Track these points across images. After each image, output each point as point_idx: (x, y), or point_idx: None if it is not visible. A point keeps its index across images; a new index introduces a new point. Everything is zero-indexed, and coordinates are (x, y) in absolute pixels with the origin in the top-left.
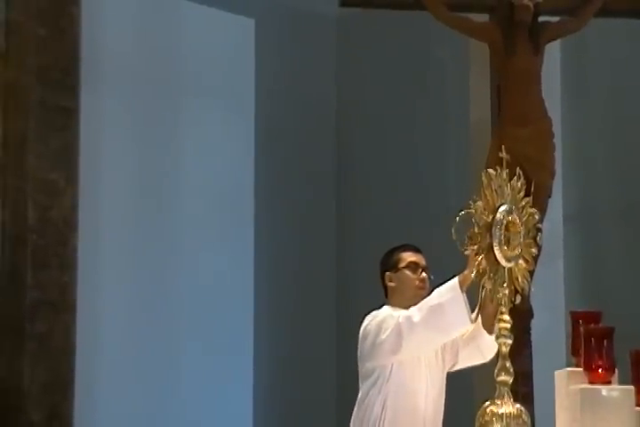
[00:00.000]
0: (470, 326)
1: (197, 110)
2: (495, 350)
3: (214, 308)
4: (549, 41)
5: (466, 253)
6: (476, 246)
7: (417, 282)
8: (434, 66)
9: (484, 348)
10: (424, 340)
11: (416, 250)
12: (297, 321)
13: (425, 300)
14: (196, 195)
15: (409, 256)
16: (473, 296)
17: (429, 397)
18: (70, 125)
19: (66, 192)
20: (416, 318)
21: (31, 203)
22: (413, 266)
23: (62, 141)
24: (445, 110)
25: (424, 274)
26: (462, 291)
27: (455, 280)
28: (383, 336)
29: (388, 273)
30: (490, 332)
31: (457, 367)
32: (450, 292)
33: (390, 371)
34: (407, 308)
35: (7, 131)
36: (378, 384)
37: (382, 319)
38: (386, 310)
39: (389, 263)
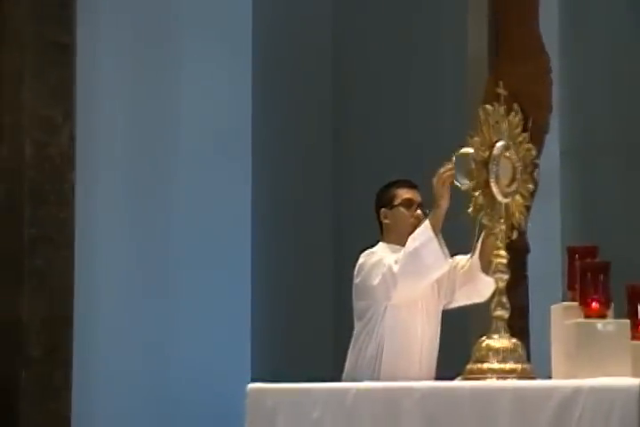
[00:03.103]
0: (468, 263)
1: (194, 43)
2: (493, 288)
3: (211, 239)
4: None
5: (435, 186)
6: (472, 182)
7: (412, 219)
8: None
9: (483, 287)
10: (409, 287)
11: (411, 186)
12: (295, 253)
13: (404, 248)
14: (193, 128)
15: (404, 193)
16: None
17: (425, 334)
18: (67, 61)
19: (63, 128)
20: (395, 269)
21: (28, 139)
22: (408, 203)
23: (59, 77)
24: (442, 45)
25: (419, 211)
26: (435, 232)
27: (426, 222)
28: (374, 283)
29: (383, 210)
30: (487, 269)
31: (453, 305)
32: (422, 235)
33: (384, 310)
34: (402, 244)
35: (3, 67)
36: (372, 323)
37: (372, 265)
38: (381, 247)
39: (384, 199)
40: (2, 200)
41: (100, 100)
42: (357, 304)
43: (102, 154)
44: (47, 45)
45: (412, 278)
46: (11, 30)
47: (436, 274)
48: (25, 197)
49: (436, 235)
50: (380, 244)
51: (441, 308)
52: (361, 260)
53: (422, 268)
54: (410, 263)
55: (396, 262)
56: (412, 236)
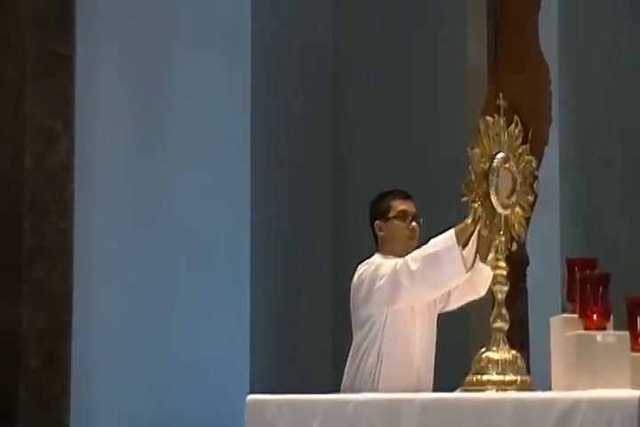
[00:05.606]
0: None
1: (193, 54)
2: (488, 284)
3: (211, 249)
4: None
5: (462, 199)
6: (472, 194)
7: (407, 232)
8: (430, 11)
9: (477, 283)
10: (419, 290)
11: (405, 196)
12: (294, 259)
13: (419, 250)
14: (192, 137)
15: (399, 204)
16: None
17: (423, 342)
18: (66, 71)
19: (62, 139)
20: (413, 267)
21: (28, 150)
22: (403, 215)
23: (58, 88)
24: (442, 57)
25: (414, 223)
26: (459, 242)
27: (451, 231)
28: (379, 283)
29: (377, 222)
30: (484, 259)
31: (447, 309)
32: (445, 241)
33: (385, 319)
34: (398, 257)
35: (3, 77)
36: (373, 332)
37: (377, 266)
38: (377, 258)
39: (379, 211)
40: (1, 210)
41: (100, 111)
42: (357, 314)
43: (102, 164)
44: (47, 56)
45: (426, 282)
46: (10, 41)
47: (450, 285)
48: (24, 207)
49: (459, 245)
50: (376, 255)
51: (436, 315)
52: (360, 270)
53: (438, 274)
54: (427, 266)
55: (408, 262)
56: (434, 240)
